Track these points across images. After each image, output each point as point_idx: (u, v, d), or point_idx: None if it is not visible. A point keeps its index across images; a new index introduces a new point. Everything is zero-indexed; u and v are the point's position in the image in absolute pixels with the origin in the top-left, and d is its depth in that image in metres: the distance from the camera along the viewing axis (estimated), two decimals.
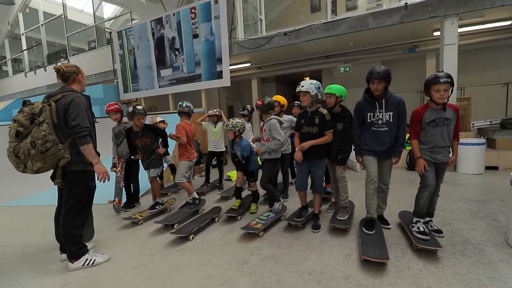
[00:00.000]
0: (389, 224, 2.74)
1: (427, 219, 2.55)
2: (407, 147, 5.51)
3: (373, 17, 5.22)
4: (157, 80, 7.74)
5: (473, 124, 5.76)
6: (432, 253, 2.16)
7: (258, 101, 3.33)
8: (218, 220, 3.24)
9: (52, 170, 2.22)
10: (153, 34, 7.58)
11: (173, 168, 4.79)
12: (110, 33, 8.61)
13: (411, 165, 5.27)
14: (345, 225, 2.69)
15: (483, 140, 4.82)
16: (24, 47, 13.15)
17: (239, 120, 3.33)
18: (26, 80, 12.86)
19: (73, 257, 2.27)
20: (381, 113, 2.48)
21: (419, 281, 1.84)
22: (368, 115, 2.54)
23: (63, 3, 11.61)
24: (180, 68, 7.26)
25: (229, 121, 3.33)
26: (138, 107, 3.50)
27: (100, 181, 2.21)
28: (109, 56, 9.10)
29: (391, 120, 2.46)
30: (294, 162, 2.96)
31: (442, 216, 2.92)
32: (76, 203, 2.24)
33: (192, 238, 2.75)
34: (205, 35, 6.71)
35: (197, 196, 3.62)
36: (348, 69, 7.05)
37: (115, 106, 3.82)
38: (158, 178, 3.70)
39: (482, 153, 4.74)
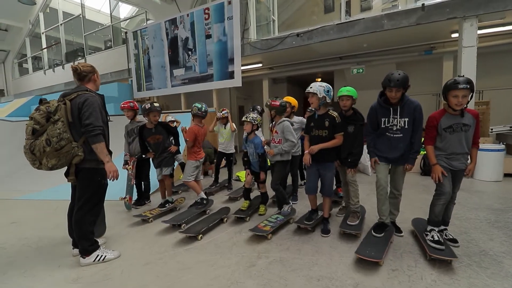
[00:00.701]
0: (401, 232, 2.66)
1: (442, 227, 2.47)
2: (422, 152, 5.37)
3: (389, 18, 5.11)
4: (170, 79, 7.85)
5: (491, 129, 5.54)
6: (447, 264, 2.08)
7: (274, 102, 3.26)
8: (226, 220, 3.24)
9: (66, 167, 2.29)
10: (167, 34, 7.69)
11: (183, 167, 4.84)
12: (126, 33, 8.79)
13: (425, 170, 5.12)
14: (356, 231, 2.64)
15: (502, 146, 4.63)
16: (44, 45, 13.62)
17: (257, 115, 3.37)
18: (44, 78, 13.33)
19: (85, 253, 2.33)
20: (395, 119, 2.40)
21: None
22: (382, 120, 2.46)
23: (81, 4, 11.96)
24: (193, 68, 7.33)
25: (248, 114, 3.36)
26: (155, 104, 3.59)
27: (110, 179, 2.25)
28: (124, 55, 9.30)
29: (406, 127, 2.38)
30: (304, 164, 2.91)
31: (458, 224, 2.82)
32: (89, 200, 2.29)
33: (201, 238, 2.77)
34: (218, 36, 6.75)
35: (204, 196, 3.60)
36: (361, 70, 6.93)
37: (130, 104, 3.91)
38: (169, 177, 3.75)
39: (500, 160, 4.55)
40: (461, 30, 4.73)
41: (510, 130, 5.54)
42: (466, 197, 3.70)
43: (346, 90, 2.82)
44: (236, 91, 9.50)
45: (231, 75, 6.70)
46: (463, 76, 2.22)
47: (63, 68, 12.58)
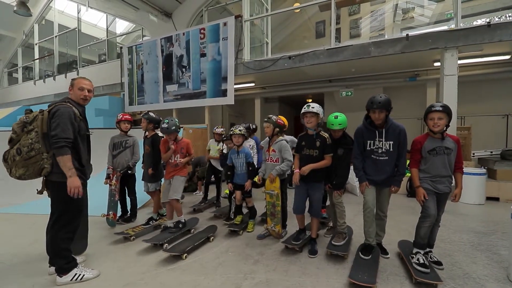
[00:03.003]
0: (387, 254, 2.67)
1: (427, 249, 2.49)
2: (407, 174, 5.49)
3: (375, 46, 5.40)
4: (163, 94, 7.89)
5: (473, 154, 5.77)
6: (432, 287, 2.09)
7: (279, 120, 3.28)
8: (213, 239, 3.17)
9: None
10: (162, 51, 7.82)
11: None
12: (121, 47, 8.89)
13: (411, 192, 5.21)
14: (342, 252, 2.62)
15: (483, 170, 4.80)
16: (37, 56, 13.58)
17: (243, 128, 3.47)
18: (34, 88, 13.16)
19: (61, 271, 2.21)
20: (381, 142, 2.48)
21: None
22: (368, 142, 2.54)
23: (78, 18, 12.13)
24: (186, 84, 7.42)
25: (236, 127, 3.43)
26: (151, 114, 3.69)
27: (72, 195, 2.10)
28: (117, 70, 9.36)
29: (391, 150, 2.45)
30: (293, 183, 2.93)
31: (442, 247, 2.85)
32: (62, 215, 2.19)
33: (185, 257, 2.68)
34: (213, 55, 6.92)
35: (183, 221, 3.36)
36: (350, 93, 7.19)
37: (128, 116, 3.90)
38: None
39: (482, 184, 4.70)
40: (443, 59, 5.04)
41: (491, 155, 5.78)
42: (450, 219, 3.77)
43: (338, 124, 2.75)
44: (228, 109, 9.60)
45: (224, 93, 6.80)
46: (440, 102, 2.38)
47: (54, 79, 12.51)
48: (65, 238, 2.21)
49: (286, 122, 3.94)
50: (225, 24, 6.70)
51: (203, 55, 7.10)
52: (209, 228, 3.37)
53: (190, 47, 7.29)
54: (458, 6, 5.01)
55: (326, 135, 2.72)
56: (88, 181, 2.44)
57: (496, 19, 5.60)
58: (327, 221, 3.44)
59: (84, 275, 2.26)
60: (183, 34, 7.42)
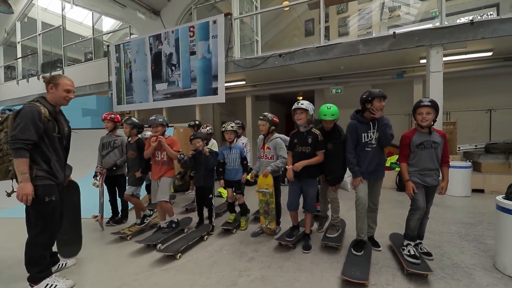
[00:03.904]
0: (379, 246, 2.73)
1: (417, 241, 2.56)
2: (396, 168, 5.62)
3: (364, 44, 5.48)
4: (152, 93, 7.77)
5: (459, 148, 5.95)
6: (423, 277, 2.15)
7: (275, 118, 3.33)
8: (207, 238, 3.15)
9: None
10: (150, 49, 7.69)
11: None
12: (108, 46, 8.69)
13: (400, 186, 5.33)
14: (336, 243, 2.68)
15: (469, 163, 4.96)
16: (19, 55, 13.11)
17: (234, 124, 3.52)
18: (17, 88, 12.71)
19: (32, 280, 2.09)
20: (374, 132, 2.55)
21: None
22: (363, 135, 2.58)
23: (62, 15, 11.78)
24: (176, 83, 7.33)
25: (228, 124, 3.42)
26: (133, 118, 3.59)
27: (21, 201, 1.98)
28: (105, 68, 9.14)
29: (379, 139, 2.55)
30: (286, 180, 2.95)
31: (432, 238, 2.94)
32: (36, 220, 2.08)
33: (179, 257, 2.67)
34: (202, 53, 6.85)
35: (176, 220, 3.33)
36: (339, 90, 7.27)
37: (111, 115, 3.81)
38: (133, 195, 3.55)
39: (468, 176, 4.86)
40: (428, 56, 5.16)
41: (476, 148, 5.97)
42: (438, 212, 3.88)
43: (331, 114, 2.71)
44: (219, 107, 9.55)
45: (214, 91, 6.76)
46: (428, 97, 2.44)
47: (38, 78, 12.09)
48: (41, 244, 2.10)
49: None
50: (214, 22, 6.64)
51: (192, 53, 7.03)
52: (203, 227, 3.35)
53: (180, 45, 7.20)
54: (442, 4, 5.13)
55: (317, 132, 2.74)
56: (80, 182, 2.37)
57: (479, 17, 5.78)
58: (322, 214, 3.46)
59: (56, 285, 2.12)
60: (172, 32, 7.31)
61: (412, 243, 2.41)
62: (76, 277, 2.31)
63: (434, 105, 2.31)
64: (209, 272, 2.38)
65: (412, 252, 2.30)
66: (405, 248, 2.39)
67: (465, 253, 2.59)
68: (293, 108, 2.75)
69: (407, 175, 2.43)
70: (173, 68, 7.35)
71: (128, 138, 3.71)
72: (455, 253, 2.61)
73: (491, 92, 6.75)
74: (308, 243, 2.78)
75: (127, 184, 3.61)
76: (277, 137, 3.25)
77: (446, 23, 5.12)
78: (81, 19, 13.20)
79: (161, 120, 3.23)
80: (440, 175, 2.46)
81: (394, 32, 5.20)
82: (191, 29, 6.99)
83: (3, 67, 14.17)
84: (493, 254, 2.44)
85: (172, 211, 3.31)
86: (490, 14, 7.68)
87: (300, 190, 2.84)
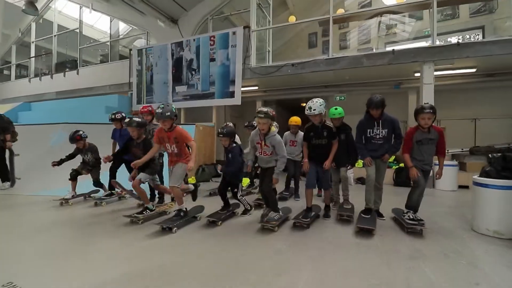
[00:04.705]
0: (384, 217, 3.46)
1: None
2: (394, 167, 6.42)
3: (367, 58, 6.34)
4: (172, 95, 8.45)
5: (447, 150, 6.79)
6: (419, 233, 2.87)
7: (273, 112, 3.11)
8: (222, 222, 3.28)
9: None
10: (172, 54, 8.42)
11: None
12: (130, 49, 9.38)
13: (397, 181, 6.12)
14: (351, 213, 3.40)
15: (456, 163, 5.79)
16: (33, 54, 13.64)
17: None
18: (29, 86, 13.24)
19: None
20: (378, 130, 3.30)
21: (412, 247, 2.55)
22: (368, 131, 3.34)
23: (80, 20, 12.46)
24: (195, 86, 8.05)
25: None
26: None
27: None
28: (121, 70, 9.86)
29: (386, 135, 3.30)
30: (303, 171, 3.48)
31: (424, 214, 3.57)
32: None
33: (220, 223, 3.30)
34: (222, 60, 7.62)
35: (184, 209, 3.25)
36: (343, 98, 8.10)
37: (148, 108, 4.37)
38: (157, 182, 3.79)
39: (455, 174, 5.68)
40: (422, 70, 6.03)
41: (462, 151, 6.84)
42: (430, 200, 4.60)
43: (338, 113, 3.55)
44: (230, 110, 10.28)
45: (231, 94, 7.49)
46: (428, 103, 3.09)
47: (51, 77, 12.66)
48: None
49: (299, 122, 4.66)
50: (234, 33, 7.44)
51: (212, 60, 7.78)
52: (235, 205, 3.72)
53: (200, 52, 7.96)
54: (434, 25, 6.03)
55: (331, 124, 3.27)
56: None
57: (467, 36, 6.71)
58: (334, 198, 4.13)
59: None
60: (193, 40, 8.08)
61: (412, 211, 3.10)
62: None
63: (434, 111, 2.91)
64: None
65: (412, 217, 3.00)
66: (405, 214, 3.09)
67: (449, 221, 3.38)
68: (307, 114, 3.14)
69: (411, 162, 3.03)
70: (193, 72, 8.08)
71: (137, 138, 3.63)
72: (441, 221, 3.38)
73: (476, 104, 7.69)
74: (328, 213, 3.48)
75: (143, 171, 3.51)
76: (275, 134, 3.17)
77: (438, 42, 6.02)
78: (92, 22, 13.87)
79: (169, 113, 3.01)
80: (432, 163, 3.15)
81: (393, 49, 6.08)
82: (212, 38, 7.77)
83: (14, 65, 14.65)
84: (471, 219, 3.19)
85: (181, 199, 3.24)
86: (477, 35, 8.74)
87: (316, 173, 3.30)
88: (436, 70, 6.08)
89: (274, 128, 3.21)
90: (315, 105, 3.10)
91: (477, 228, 2.97)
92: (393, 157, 6.67)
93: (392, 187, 5.97)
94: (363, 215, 3.22)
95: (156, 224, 3.11)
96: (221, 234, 2.98)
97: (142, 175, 3.41)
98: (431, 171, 3.22)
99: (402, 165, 6.39)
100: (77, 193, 4.53)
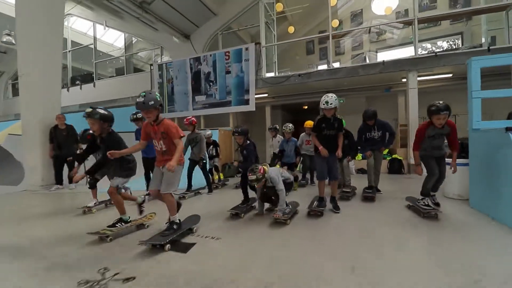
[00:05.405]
0: (381, 192, 4.66)
1: (432, 193, 3.47)
2: (387, 158, 7.67)
3: (362, 68, 7.62)
4: (192, 104, 9.55)
5: None
6: (435, 217, 3.18)
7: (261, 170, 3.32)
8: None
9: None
10: (191, 68, 9.53)
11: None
12: (151, 64, 10.45)
13: (391, 170, 7.41)
14: (351, 195, 4.50)
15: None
16: None
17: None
18: None
19: None
20: (374, 132, 4.53)
21: (409, 215, 3.71)
22: (366, 134, 4.57)
23: (94, 36, 13.48)
24: (213, 95, 9.18)
25: (286, 127, 5.45)
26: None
27: None
28: (138, 82, 10.93)
29: (381, 135, 4.52)
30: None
31: (412, 193, 4.87)
32: None
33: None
34: (236, 72, 8.77)
35: (177, 221, 2.76)
36: (342, 101, 9.33)
37: (190, 120, 5.37)
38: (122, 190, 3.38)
39: None
40: (408, 77, 7.31)
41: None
42: (415, 181, 5.86)
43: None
44: (241, 115, 11.42)
45: (246, 102, 8.65)
46: (443, 102, 3.08)
47: (68, 90, 13.60)
48: None
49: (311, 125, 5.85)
50: (246, 49, 8.61)
51: (228, 72, 8.93)
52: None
53: (217, 66, 9.10)
54: (416, 40, 7.31)
55: (340, 117, 3.55)
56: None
57: (445, 44, 7.96)
58: (340, 182, 5.22)
59: None
60: (210, 55, 9.22)
61: (427, 198, 3.31)
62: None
63: (449, 110, 3.00)
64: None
65: (427, 203, 3.28)
66: (420, 201, 3.34)
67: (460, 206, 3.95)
68: (322, 108, 3.37)
69: (418, 160, 3.36)
70: (211, 84, 9.21)
71: (100, 135, 3.09)
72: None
73: (454, 102, 8.82)
74: (337, 204, 3.71)
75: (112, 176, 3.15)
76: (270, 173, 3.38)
77: (420, 53, 7.30)
78: (99, 35, 14.85)
79: (153, 102, 2.48)
80: (444, 149, 3.38)
81: (383, 61, 7.35)
82: (227, 53, 8.92)
83: None
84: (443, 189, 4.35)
85: (174, 208, 2.73)
86: (457, 40, 10.12)
87: (326, 163, 3.51)
88: (419, 76, 7.37)
89: (267, 168, 3.37)
90: (331, 99, 3.33)
91: (447, 193, 4.24)
92: (387, 150, 7.92)
93: (387, 175, 7.23)
94: (366, 191, 4.42)
95: (142, 241, 2.57)
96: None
97: (117, 180, 3.04)
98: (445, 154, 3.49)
99: (394, 156, 7.66)
100: (98, 201, 4.24)
